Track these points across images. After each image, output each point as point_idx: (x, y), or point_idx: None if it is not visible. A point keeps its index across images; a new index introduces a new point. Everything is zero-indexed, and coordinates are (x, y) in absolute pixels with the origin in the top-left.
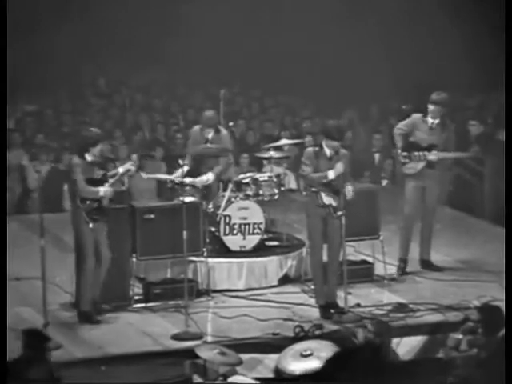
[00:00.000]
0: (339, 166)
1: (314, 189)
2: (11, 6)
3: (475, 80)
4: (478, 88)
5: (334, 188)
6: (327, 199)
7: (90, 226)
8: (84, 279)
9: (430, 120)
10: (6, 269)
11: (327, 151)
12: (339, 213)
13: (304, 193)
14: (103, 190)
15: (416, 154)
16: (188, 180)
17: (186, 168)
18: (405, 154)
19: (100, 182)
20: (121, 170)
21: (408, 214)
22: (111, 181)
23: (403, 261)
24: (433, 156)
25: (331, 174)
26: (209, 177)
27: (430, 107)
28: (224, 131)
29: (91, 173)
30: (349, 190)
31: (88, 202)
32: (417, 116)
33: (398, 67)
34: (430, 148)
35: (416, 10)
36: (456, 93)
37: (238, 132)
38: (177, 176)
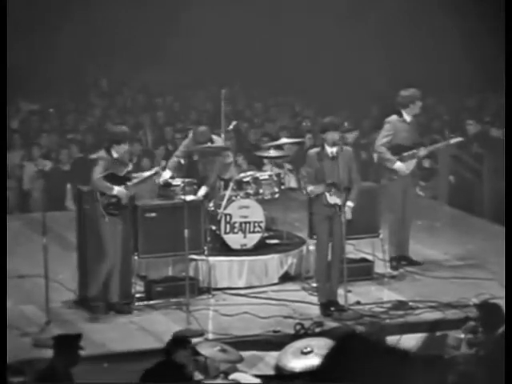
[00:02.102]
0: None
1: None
2: (14, 7)
3: (474, 80)
4: (476, 88)
5: (337, 186)
6: (332, 199)
7: (106, 220)
8: (102, 273)
9: (407, 118)
10: (6, 269)
11: (329, 151)
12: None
13: (304, 191)
14: (117, 189)
15: (405, 154)
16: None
17: (168, 171)
18: (395, 157)
19: (122, 179)
20: (146, 173)
21: (397, 214)
22: (134, 181)
23: (395, 259)
24: (423, 151)
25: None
26: (202, 192)
27: (406, 104)
28: (217, 138)
29: (115, 169)
30: (349, 207)
31: (105, 196)
32: (393, 118)
33: (398, 67)
34: (417, 145)
35: (416, 10)
36: (456, 93)
37: (240, 130)
38: (164, 178)
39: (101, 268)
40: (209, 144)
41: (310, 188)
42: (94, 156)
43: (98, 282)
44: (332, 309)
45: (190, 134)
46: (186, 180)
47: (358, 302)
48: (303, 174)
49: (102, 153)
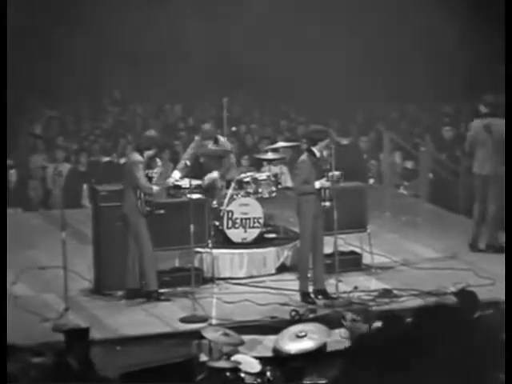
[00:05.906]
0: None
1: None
2: (34, 29)
3: (451, 89)
4: (453, 96)
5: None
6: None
7: (144, 217)
8: (148, 262)
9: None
10: (6, 268)
11: (318, 154)
12: (328, 203)
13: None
14: (155, 188)
15: None
16: (194, 182)
17: (177, 172)
18: None
19: (150, 179)
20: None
21: None
22: (154, 180)
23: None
24: None
25: (317, 184)
26: (215, 174)
27: (484, 109)
28: (222, 138)
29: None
30: (335, 175)
31: (146, 196)
32: (477, 122)
33: (384, 76)
34: None
35: (404, 21)
36: (435, 100)
37: (240, 135)
38: (174, 179)
39: (149, 258)
40: (215, 147)
41: (320, 181)
42: (107, 159)
43: (135, 274)
44: (320, 297)
45: (196, 137)
46: (194, 182)
47: (356, 287)
48: (298, 175)
49: (138, 157)
